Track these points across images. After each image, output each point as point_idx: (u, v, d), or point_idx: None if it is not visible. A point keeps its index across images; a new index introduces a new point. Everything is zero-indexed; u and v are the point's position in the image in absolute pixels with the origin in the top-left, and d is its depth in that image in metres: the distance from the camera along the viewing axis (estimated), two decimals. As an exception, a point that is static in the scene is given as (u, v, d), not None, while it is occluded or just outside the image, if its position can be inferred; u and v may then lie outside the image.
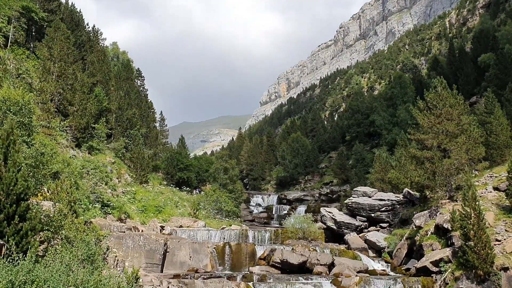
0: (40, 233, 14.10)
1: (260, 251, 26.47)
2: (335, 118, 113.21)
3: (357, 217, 33.79)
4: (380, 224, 32.86)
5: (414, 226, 26.21)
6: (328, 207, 42.42)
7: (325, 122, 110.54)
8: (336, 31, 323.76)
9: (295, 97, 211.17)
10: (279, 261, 24.65)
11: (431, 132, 27.13)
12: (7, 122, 14.42)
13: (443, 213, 23.94)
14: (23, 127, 22.08)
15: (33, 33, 45.12)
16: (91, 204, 27.35)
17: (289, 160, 79.40)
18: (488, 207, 23.07)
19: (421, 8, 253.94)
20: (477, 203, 19.90)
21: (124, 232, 25.78)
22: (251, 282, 21.19)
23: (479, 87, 61.08)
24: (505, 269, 19.20)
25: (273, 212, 60.53)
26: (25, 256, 10.73)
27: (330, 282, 21.18)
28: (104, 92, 44.17)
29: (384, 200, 33.49)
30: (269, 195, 73.04)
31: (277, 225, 45.95)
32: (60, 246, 14.18)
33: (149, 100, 64.92)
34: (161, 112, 70.78)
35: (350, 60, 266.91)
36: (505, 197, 23.01)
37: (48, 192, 19.91)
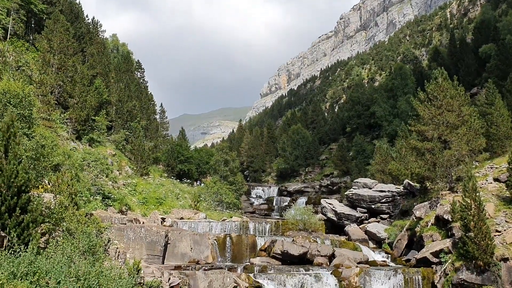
0: (42, 225, 14.13)
1: (261, 243, 26.56)
2: (336, 110, 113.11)
3: (358, 208, 33.88)
4: (381, 216, 32.95)
5: (414, 217, 26.27)
6: (328, 198, 42.50)
7: (326, 114, 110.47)
8: (337, 22, 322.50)
9: (295, 88, 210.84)
10: (279, 252, 24.74)
11: (432, 123, 27.10)
12: (8, 115, 14.41)
13: (444, 204, 23.99)
14: (24, 119, 22.06)
15: (33, 25, 44.96)
16: (92, 196, 27.41)
17: (290, 152, 79.41)
18: (488, 198, 23.11)
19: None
20: (477, 194, 19.92)
21: (125, 224, 25.86)
22: (252, 273, 21.28)
23: (480, 78, 60.96)
24: (505, 259, 19.28)
25: (274, 204, 60.61)
26: (27, 248, 10.77)
27: (331, 273, 21.26)
28: (104, 84, 44.08)
29: (384, 191, 33.56)
30: (270, 187, 73.14)
31: (278, 217, 46.04)
32: (61, 238, 14.23)
33: (149, 92, 64.78)
34: (161, 104, 70.86)
35: (351, 51, 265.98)
36: (506, 188, 23.04)
37: (49, 184, 19.94)
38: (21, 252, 10.49)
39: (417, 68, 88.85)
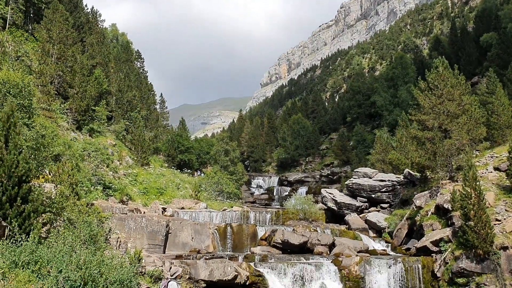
0: (43, 215, 14.18)
1: (261, 232, 26.65)
2: (336, 99, 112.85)
3: (358, 198, 33.92)
4: (381, 205, 33.00)
5: (414, 207, 26.31)
6: (329, 188, 42.55)
7: (326, 104, 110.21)
8: (337, 11, 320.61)
9: (295, 78, 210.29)
10: (280, 241, 24.83)
11: (432, 112, 27.03)
12: (7, 105, 14.39)
13: (444, 193, 24.02)
14: (24, 109, 22.04)
15: (31, 15, 44.69)
16: (92, 186, 27.47)
17: (290, 141, 79.37)
18: (488, 187, 23.12)
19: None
20: (477, 183, 19.94)
21: (126, 214, 25.94)
22: (253, 262, 21.39)
23: (481, 67, 60.75)
24: (505, 248, 19.34)
25: (274, 194, 60.75)
26: (28, 237, 10.81)
27: (331, 262, 21.37)
28: (104, 74, 43.94)
29: (384, 181, 33.57)
30: (270, 176, 73.25)
31: (278, 207, 46.14)
32: (62, 228, 14.28)
33: (149, 82, 64.66)
34: (161, 94, 70.67)
35: (351, 40, 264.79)
36: (506, 177, 23.05)
37: (49, 174, 19.97)
38: (22, 242, 10.53)
39: (417, 57, 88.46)
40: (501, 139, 29.55)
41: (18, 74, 24.64)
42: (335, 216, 33.45)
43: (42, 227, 13.80)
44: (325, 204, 34.39)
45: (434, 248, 21.52)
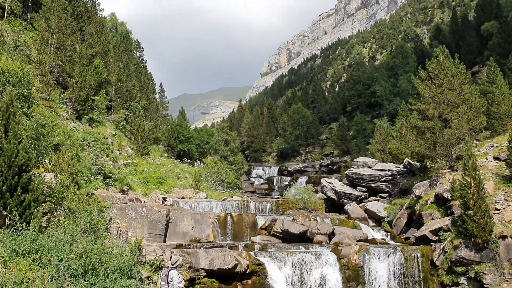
0: (43, 204, 14.21)
1: (261, 221, 26.75)
2: (336, 89, 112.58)
3: (357, 187, 34.01)
4: (380, 194, 33.10)
5: (414, 196, 26.38)
6: (328, 178, 42.62)
7: (326, 93, 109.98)
8: (337, 0, 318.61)
9: (295, 67, 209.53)
10: (280, 231, 24.93)
11: (432, 102, 27.00)
12: (7, 94, 14.36)
13: (443, 182, 24.06)
14: (23, 99, 21.97)
15: (30, 4, 44.35)
16: (93, 176, 27.49)
17: (290, 131, 79.34)
18: (488, 176, 23.17)
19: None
20: (477, 172, 19.97)
21: (127, 203, 26.00)
22: (253, 251, 21.48)
23: (481, 56, 60.55)
24: (504, 237, 19.43)
25: (274, 184, 60.88)
26: (29, 226, 10.85)
27: (330, 251, 21.46)
28: (103, 64, 43.79)
29: (384, 170, 33.63)
30: (270, 166, 73.37)
31: (278, 196, 46.26)
32: (63, 217, 14.32)
33: (148, 72, 64.44)
34: (161, 83, 70.51)
35: (352, 29, 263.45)
36: (505, 166, 23.09)
37: (49, 164, 19.98)
38: (23, 231, 10.57)
39: (418, 46, 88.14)
40: (501, 128, 29.55)
41: (17, 63, 24.55)
42: (335, 205, 33.56)
43: (43, 217, 13.83)
44: (325, 194, 34.49)
45: (434, 237, 21.62)
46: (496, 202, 21.37)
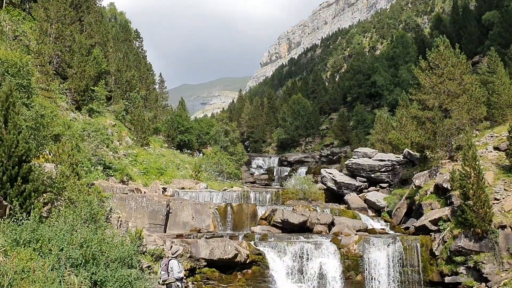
0: (44, 194, 14.24)
1: (261, 212, 26.81)
2: (336, 79, 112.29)
3: (357, 177, 34.05)
4: (380, 184, 33.14)
5: (413, 186, 26.42)
6: (328, 168, 42.69)
7: (326, 83, 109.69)
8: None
9: (296, 57, 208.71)
10: (280, 221, 25.00)
11: (433, 92, 26.92)
12: (6, 84, 14.31)
13: (443, 173, 24.08)
14: (22, 89, 21.93)
15: (28, -7, 44.10)
16: (93, 167, 27.53)
17: (290, 122, 79.26)
18: (488, 166, 23.18)
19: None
20: (477, 162, 19.98)
21: (127, 193, 26.06)
22: (253, 241, 21.59)
23: (482, 46, 60.34)
24: (503, 227, 19.50)
25: (274, 174, 60.97)
26: (29, 216, 10.88)
27: (330, 241, 21.55)
28: (102, 54, 43.61)
29: (384, 160, 33.64)
30: (270, 157, 73.43)
31: (278, 187, 46.35)
32: (63, 207, 14.36)
33: (148, 62, 64.15)
34: (160, 74, 70.15)
35: (352, 19, 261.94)
36: (505, 156, 23.09)
37: (49, 154, 20.00)
38: (23, 220, 10.60)
39: (419, 36, 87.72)
40: (502, 118, 29.50)
41: (16, 53, 24.46)
42: (335, 195, 33.63)
43: (43, 207, 13.87)
44: (325, 184, 34.55)
45: (433, 227, 21.68)
46: (495, 192, 21.41)
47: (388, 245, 21.15)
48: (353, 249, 20.98)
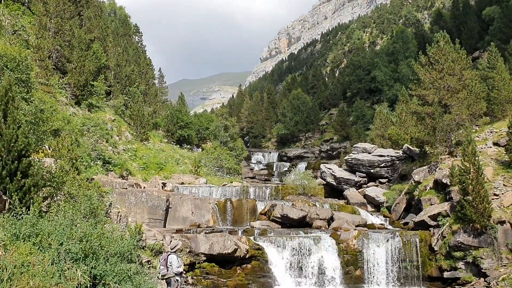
0: (43, 189, 14.24)
1: (261, 207, 26.86)
2: (336, 74, 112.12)
3: (357, 173, 34.07)
4: (379, 180, 33.17)
5: (413, 181, 26.45)
6: (328, 163, 42.72)
7: (326, 79, 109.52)
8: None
9: (295, 53, 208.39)
10: (279, 216, 25.05)
11: (433, 87, 26.90)
12: (5, 79, 14.27)
13: (442, 168, 24.11)
14: (21, 83, 21.88)
15: (27, -12, 43.92)
16: (92, 161, 27.53)
17: (290, 117, 79.23)
18: (487, 162, 23.20)
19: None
20: (476, 158, 19.99)
21: (126, 188, 26.09)
22: (252, 236, 21.64)
23: (482, 42, 60.24)
24: (502, 222, 19.53)
25: (274, 169, 61.04)
26: (29, 211, 10.88)
27: (329, 236, 21.60)
28: (102, 49, 43.50)
29: (383, 156, 33.66)
30: (270, 152, 73.51)
31: (278, 182, 46.42)
32: (63, 202, 14.37)
33: (147, 57, 64.07)
34: (160, 69, 70.14)
35: (352, 14, 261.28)
36: (505, 152, 23.10)
37: (49, 149, 19.99)
38: (23, 215, 10.60)
39: (419, 31, 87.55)
40: (501, 114, 29.48)
41: (15, 48, 24.39)
42: (334, 191, 33.67)
43: (43, 201, 13.87)
44: (324, 179, 34.58)
45: (432, 223, 21.72)
46: (495, 187, 21.43)
47: (387, 240, 21.20)
48: (352, 244, 21.04)
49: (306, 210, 25.45)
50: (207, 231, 22.05)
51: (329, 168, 35.01)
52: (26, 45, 33.54)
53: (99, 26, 47.11)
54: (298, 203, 26.58)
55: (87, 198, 14.38)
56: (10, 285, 7.89)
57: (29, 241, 9.69)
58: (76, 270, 9.18)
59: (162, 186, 30.05)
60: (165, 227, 24.23)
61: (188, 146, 50.03)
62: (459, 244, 19.67)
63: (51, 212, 12.91)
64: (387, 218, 26.95)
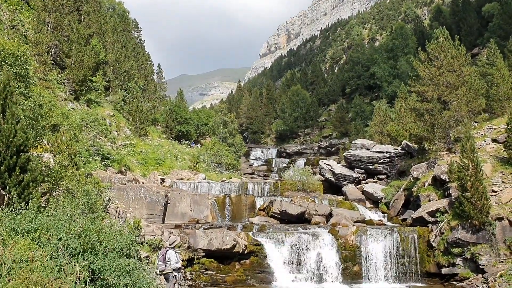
0: (42, 184, 14.22)
1: (260, 203, 26.89)
2: (335, 71, 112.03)
3: (355, 169, 34.11)
4: (378, 176, 33.23)
5: (411, 178, 26.48)
6: (327, 159, 42.75)
7: (325, 75, 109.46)
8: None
9: (295, 49, 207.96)
10: (278, 212, 25.08)
11: (432, 84, 26.90)
12: (4, 73, 14.25)
13: (441, 164, 24.13)
14: (20, 78, 21.81)
15: (26, -17, 43.71)
16: (91, 157, 27.49)
17: (289, 113, 79.24)
18: (486, 158, 23.23)
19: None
20: (475, 154, 20.00)
21: (125, 184, 26.08)
22: (251, 232, 21.66)
23: (482, 38, 60.23)
24: (500, 219, 19.58)
25: (273, 165, 61.05)
26: (27, 206, 10.87)
27: (328, 232, 21.63)
28: (100, 44, 43.36)
29: (382, 152, 33.70)
30: (269, 148, 73.52)
31: (277, 178, 46.43)
32: (61, 197, 14.36)
33: (146, 52, 63.87)
34: (159, 64, 70.10)
35: (351, 10, 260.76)
36: (503, 148, 23.13)
37: (48, 144, 19.97)
38: (22, 210, 10.59)
39: (418, 27, 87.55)
40: (500, 110, 29.52)
41: (13, 42, 24.30)
42: (333, 187, 33.71)
43: (42, 196, 13.85)
44: (323, 176, 34.62)
45: (430, 219, 21.77)
46: (493, 184, 21.48)
47: (386, 236, 21.24)
48: (350, 240, 21.07)
49: (305, 206, 25.48)
50: (206, 227, 22.07)
51: (328, 164, 35.05)
52: (25, 40, 33.43)
53: (98, 21, 46.93)
54: (297, 199, 26.62)
55: (85, 193, 14.37)
56: (9, 280, 7.89)
57: (28, 236, 9.68)
58: (75, 265, 9.17)
59: (161, 182, 30.05)
60: (163, 222, 24.25)
61: (187, 142, 49.98)
62: (457, 240, 19.72)
63: (49, 207, 12.90)
64: (386, 214, 27.01)
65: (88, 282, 9.33)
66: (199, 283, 19.03)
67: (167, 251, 13.93)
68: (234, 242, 19.80)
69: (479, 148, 23.49)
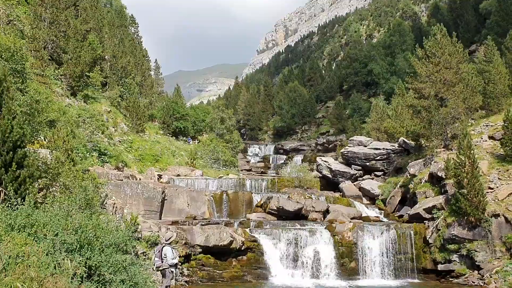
0: (38, 180, 14.19)
1: (257, 199, 26.91)
2: (333, 67, 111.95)
3: (352, 166, 34.15)
4: (375, 173, 33.27)
5: (408, 174, 26.54)
6: (324, 156, 42.76)
7: (323, 71, 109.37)
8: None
9: (292, 45, 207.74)
10: (275, 208, 25.10)
11: (429, 80, 26.92)
12: (0, 69, 14.17)
13: (438, 161, 24.18)
14: (16, 74, 21.73)
15: (22, -23, 43.46)
16: (88, 153, 27.44)
17: (286, 110, 79.24)
18: (482, 155, 23.30)
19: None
20: (472, 151, 20.06)
21: (122, 180, 26.03)
22: (248, 228, 21.69)
23: (479, 35, 60.30)
24: (496, 215, 19.64)
25: (270, 162, 61.13)
26: (24, 201, 10.85)
27: (325, 228, 21.67)
28: (98, 40, 43.22)
29: (379, 149, 33.74)
30: (266, 145, 73.64)
31: (274, 174, 46.48)
32: (58, 193, 14.34)
33: (143, 48, 63.75)
34: (156, 60, 69.86)
35: (349, 6, 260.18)
36: (500, 146, 23.19)
37: (44, 140, 19.90)
38: (18, 206, 10.57)
39: (416, 24, 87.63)
40: (497, 108, 29.58)
41: (9, 38, 24.19)
42: (330, 183, 33.75)
43: (38, 192, 13.82)
44: (320, 172, 34.65)
45: (427, 215, 21.83)
46: (490, 181, 21.54)
47: (382, 232, 21.30)
48: (347, 236, 21.13)
49: (302, 203, 25.52)
50: (203, 223, 22.08)
51: (325, 161, 35.08)
52: (21, 35, 33.25)
53: (95, 17, 46.76)
54: (294, 195, 26.65)
55: (82, 189, 14.35)
56: (5, 275, 7.87)
57: (24, 231, 9.65)
58: (71, 260, 9.17)
59: (158, 178, 30.02)
60: (160, 219, 24.24)
61: (184, 138, 49.93)
62: (454, 237, 19.79)
63: (46, 203, 12.87)
64: (382, 211, 27.06)
65: (85, 278, 9.32)
66: (196, 279, 19.07)
67: (163, 247, 13.94)
68: (231, 238, 19.83)
69: (475, 145, 23.55)
